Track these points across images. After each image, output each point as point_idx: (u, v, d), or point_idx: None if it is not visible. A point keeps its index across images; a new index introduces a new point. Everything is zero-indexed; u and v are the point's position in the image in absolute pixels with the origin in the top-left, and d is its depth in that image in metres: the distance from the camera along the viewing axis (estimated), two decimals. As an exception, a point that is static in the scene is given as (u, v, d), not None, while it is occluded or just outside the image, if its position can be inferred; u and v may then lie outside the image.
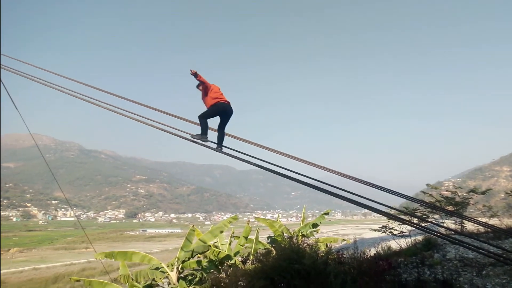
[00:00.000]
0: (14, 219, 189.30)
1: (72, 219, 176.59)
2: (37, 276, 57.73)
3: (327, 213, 17.89)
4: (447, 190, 11.88)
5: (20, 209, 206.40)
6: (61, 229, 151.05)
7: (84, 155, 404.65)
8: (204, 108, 7.20)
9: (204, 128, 6.93)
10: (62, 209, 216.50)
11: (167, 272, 12.91)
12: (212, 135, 7.04)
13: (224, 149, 6.74)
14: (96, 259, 13.18)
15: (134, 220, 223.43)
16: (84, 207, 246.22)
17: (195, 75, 6.90)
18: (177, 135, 6.90)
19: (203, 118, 6.96)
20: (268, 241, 15.80)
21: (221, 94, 7.21)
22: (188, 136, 6.83)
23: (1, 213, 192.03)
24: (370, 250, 9.62)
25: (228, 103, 7.19)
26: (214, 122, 7.22)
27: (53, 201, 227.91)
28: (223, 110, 7.12)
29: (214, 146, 6.85)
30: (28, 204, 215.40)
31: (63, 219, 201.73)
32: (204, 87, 7.13)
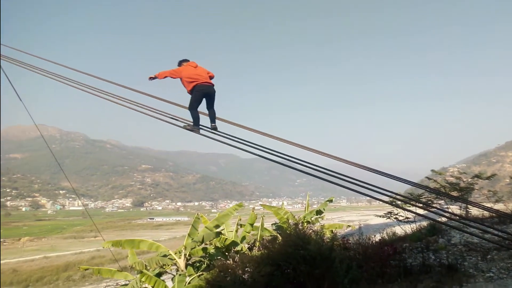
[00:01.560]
0: (24, 209, 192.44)
1: (80, 208, 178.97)
2: (48, 265, 59.03)
3: (330, 200, 18.06)
4: (451, 176, 11.88)
5: (29, 199, 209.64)
6: (69, 218, 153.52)
7: (90, 145, 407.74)
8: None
9: (195, 119, 6.67)
10: (70, 199, 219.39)
11: (175, 259, 13.15)
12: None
13: (226, 140, 6.27)
14: (104, 247, 13.45)
15: (142, 209, 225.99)
16: (91, 196, 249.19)
17: (154, 78, 6.83)
18: (172, 123, 6.79)
19: (192, 109, 6.66)
20: (274, 228, 15.96)
21: (197, 74, 6.74)
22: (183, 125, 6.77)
23: (10, 203, 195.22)
24: (375, 236, 9.71)
25: (207, 84, 6.74)
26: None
27: (60, 191, 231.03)
28: (203, 93, 6.71)
29: (209, 134, 6.56)
30: (37, 194, 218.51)
31: (71, 208, 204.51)
32: (175, 77, 6.82)
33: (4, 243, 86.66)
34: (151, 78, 6.96)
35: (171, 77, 6.80)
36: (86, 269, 14.04)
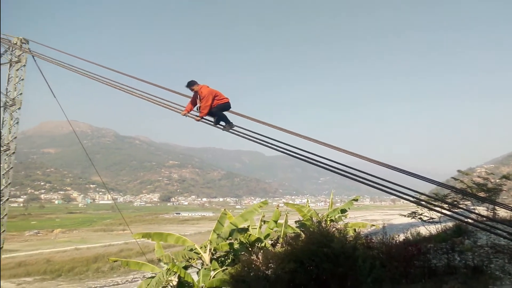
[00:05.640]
0: (56, 202, 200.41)
1: (110, 202, 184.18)
2: (79, 256, 61.39)
3: (356, 199, 17.98)
4: (479, 176, 11.56)
5: (61, 192, 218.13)
6: (99, 211, 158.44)
7: (120, 141, 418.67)
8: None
9: (224, 118, 7.32)
10: (100, 193, 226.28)
11: (200, 254, 13.51)
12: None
13: (250, 136, 6.69)
14: (134, 239, 13.98)
15: (168, 204, 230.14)
16: (120, 191, 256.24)
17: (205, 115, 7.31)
18: (207, 123, 7.25)
19: (219, 111, 7.34)
20: (297, 225, 16.06)
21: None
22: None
23: (44, 196, 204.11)
24: (399, 235, 9.63)
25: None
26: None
27: (91, 185, 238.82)
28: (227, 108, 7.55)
29: (237, 132, 7.04)
30: (68, 188, 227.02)
31: (101, 202, 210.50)
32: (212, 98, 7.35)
33: (39, 234, 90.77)
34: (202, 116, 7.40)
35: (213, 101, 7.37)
36: (115, 261, 14.69)
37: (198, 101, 7.37)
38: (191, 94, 7.61)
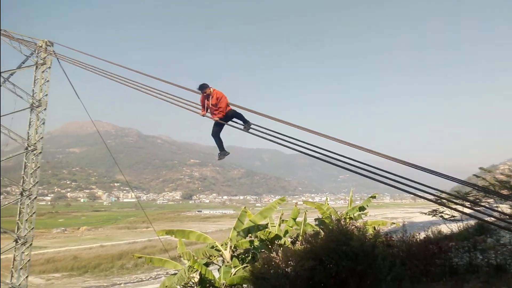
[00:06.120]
0: (82, 200, 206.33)
1: (133, 200, 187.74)
2: (104, 253, 63.15)
3: (374, 197, 17.83)
4: (502, 174, 11.25)
5: (87, 191, 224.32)
6: (123, 209, 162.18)
7: (142, 140, 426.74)
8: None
9: (241, 117, 7.60)
10: (124, 191, 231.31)
11: (221, 251, 13.73)
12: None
13: (269, 135, 6.79)
14: (158, 236, 14.34)
15: (190, 202, 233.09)
16: (143, 189, 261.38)
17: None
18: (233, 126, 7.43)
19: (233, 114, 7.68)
20: (316, 223, 16.08)
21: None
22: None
23: (70, 195, 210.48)
24: (419, 233, 9.54)
25: None
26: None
27: (115, 184, 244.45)
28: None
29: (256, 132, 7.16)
30: (93, 187, 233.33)
31: (125, 200, 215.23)
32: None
33: (66, 231, 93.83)
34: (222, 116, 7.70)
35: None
36: (139, 257, 15.10)
37: (209, 103, 7.61)
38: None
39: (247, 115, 7.56)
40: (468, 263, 7.55)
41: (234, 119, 7.58)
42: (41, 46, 17.08)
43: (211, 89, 7.62)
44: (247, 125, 7.34)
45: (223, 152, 8.04)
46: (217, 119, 7.46)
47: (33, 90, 17.20)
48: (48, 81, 17.49)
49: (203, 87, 7.60)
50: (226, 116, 7.57)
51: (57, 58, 16.63)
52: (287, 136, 6.49)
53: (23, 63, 17.22)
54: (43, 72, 17.32)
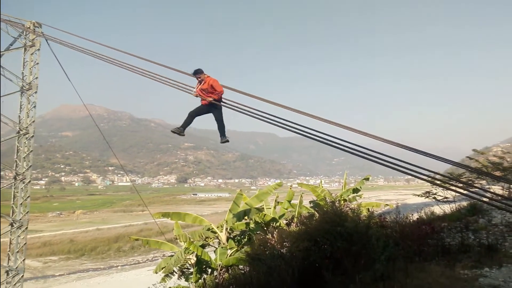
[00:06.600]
0: (76, 184, 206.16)
1: (128, 184, 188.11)
2: (100, 236, 63.64)
3: (367, 178, 18.02)
4: (494, 155, 11.39)
5: (81, 175, 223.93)
6: (118, 193, 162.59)
7: (135, 124, 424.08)
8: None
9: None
10: (119, 175, 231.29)
11: (217, 233, 13.86)
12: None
13: (264, 117, 6.76)
14: (154, 219, 14.41)
15: (185, 185, 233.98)
16: (138, 172, 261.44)
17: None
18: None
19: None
20: (311, 205, 16.24)
21: None
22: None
23: (65, 179, 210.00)
24: (413, 215, 9.67)
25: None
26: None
27: (110, 168, 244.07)
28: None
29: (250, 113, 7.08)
30: (88, 170, 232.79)
31: (120, 184, 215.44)
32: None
33: (61, 215, 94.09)
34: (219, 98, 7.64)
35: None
36: (136, 239, 15.21)
37: (201, 87, 7.62)
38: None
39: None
40: (460, 243, 7.67)
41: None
42: (29, 28, 16.62)
43: (206, 75, 7.62)
44: (224, 138, 7.95)
45: (224, 137, 8.18)
46: (211, 99, 7.43)
47: (22, 73, 16.79)
48: (38, 63, 17.10)
49: (197, 72, 7.61)
50: (218, 101, 7.56)
51: (46, 40, 16.17)
52: (282, 118, 6.48)
53: (11, 45, 16.78)
54: (32, 54, 16.90)
